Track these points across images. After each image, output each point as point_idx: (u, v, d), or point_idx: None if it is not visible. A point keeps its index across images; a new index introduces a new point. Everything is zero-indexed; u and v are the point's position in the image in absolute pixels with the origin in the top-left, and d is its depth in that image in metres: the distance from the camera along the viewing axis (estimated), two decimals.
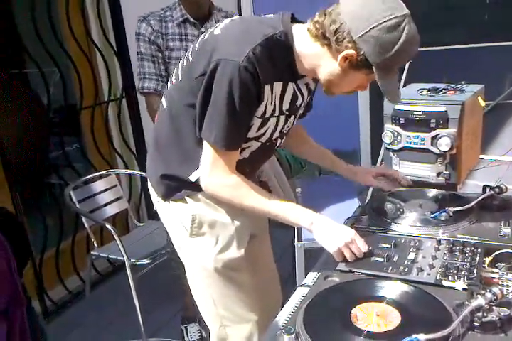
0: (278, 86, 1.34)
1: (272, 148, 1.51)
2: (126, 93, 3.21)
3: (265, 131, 1.41)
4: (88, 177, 2.75)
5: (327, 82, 1.34)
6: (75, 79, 2.94)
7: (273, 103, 1.35)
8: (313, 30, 1.28)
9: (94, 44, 3.04)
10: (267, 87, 1.30)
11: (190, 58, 1.37)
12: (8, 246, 1.07)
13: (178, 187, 1.48)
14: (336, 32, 1.22)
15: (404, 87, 2.13)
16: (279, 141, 1.50)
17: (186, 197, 1.48)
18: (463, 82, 1.89)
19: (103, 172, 2.84)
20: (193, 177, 1.44)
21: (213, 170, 1.36)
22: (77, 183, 2.68)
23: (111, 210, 2.82)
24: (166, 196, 1.51)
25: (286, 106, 1.39)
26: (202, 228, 1.50)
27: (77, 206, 2.61)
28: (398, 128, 1.78)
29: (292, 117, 1.47)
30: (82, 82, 2.93)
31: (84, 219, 2.64)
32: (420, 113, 1.73)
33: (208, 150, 1.35)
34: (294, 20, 1.34)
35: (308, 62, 1.33)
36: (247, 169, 1.44)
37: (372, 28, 1.18)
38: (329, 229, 1.34)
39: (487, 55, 2.65)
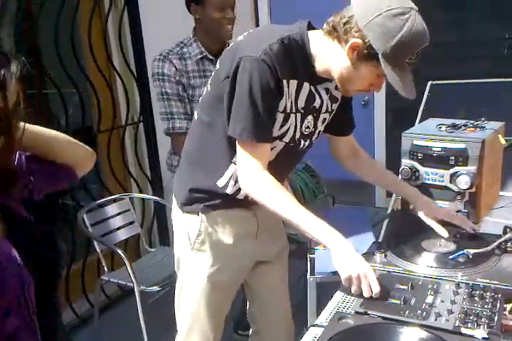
0: (293, 84, 1.38)
1: (296, 151, 1.52)
2: (143, 117, 3.24)
3: (288, 129, 1.43)
4: (102, 200, 2.76)
5: (340, 78, 1.37)
6: (94, 103, 2.97)
7: (290, 99, 1.39)
8: (326, 28, 1.35)
9: (115, 69, 3.08)
10: (285, 82, 1.35)
11: (217, 66, 1.44)
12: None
13: (201, 199, 1.51)
14: (345, 23, 1.28)
15: (422, 121, 2.11)
16: (302, 142, 1.50)
17: (200, 213, 1.52)
18: (483, 119, 1.87)
19: (117, 196, 2.85)
20: (220, 183, 1.48)
21: (245, 168, 1.37)
22: (91, 206, 2.68)
23: (123, 234, 2.82)
24: (184, 205, 1.55)
25: (301, 104, 1.42)
26: (204, 245, 1.54)
27: (90, 229, 2.61)
28: (416, 164, 1.76)
29: (311, 117, 1.47)
30: (100, 105, 2.96)
31: (95, 243, 2.63)
32: (439, 149, 1.71)
33: (239, 150, 1.38)
34: (311, 27, 1.41)
35: (322, 60, 1.38)
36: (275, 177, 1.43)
37: (378, 15, 1.23)
38: (349, 255, 1.32)
39: (506, 91, 2.64)
